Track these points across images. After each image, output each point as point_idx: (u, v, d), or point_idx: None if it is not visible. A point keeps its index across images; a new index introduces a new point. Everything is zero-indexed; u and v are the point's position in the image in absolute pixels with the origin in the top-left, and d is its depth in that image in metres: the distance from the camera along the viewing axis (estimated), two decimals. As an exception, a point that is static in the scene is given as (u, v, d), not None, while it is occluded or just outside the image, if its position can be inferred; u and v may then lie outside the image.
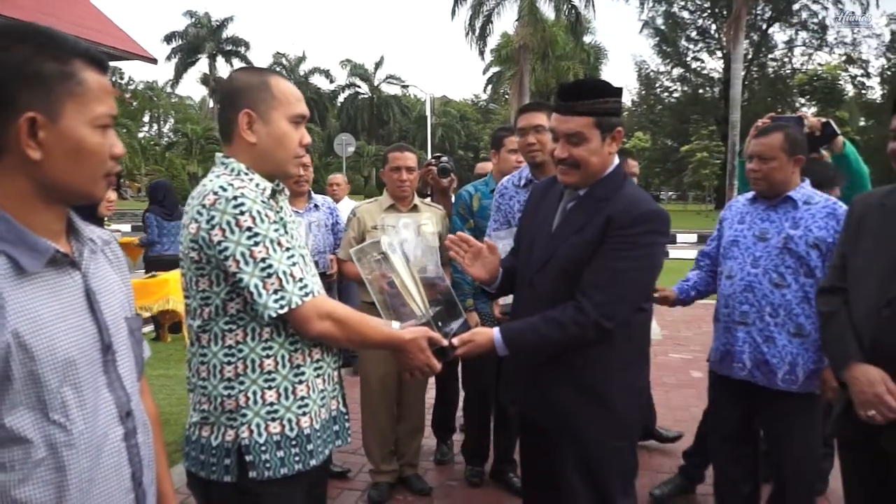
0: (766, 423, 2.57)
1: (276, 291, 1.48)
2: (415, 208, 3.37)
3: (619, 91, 1.95)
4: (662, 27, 39.14)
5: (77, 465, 1.02)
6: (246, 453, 1.53)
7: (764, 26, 37.29)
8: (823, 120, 2.89)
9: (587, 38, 36.30)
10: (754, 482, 2.70)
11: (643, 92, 43.44)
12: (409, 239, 3.20)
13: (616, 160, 1.99)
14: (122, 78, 51.67)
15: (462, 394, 3.86)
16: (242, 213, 1.46)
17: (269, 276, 1.48)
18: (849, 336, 1.94)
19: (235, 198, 1.47)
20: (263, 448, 1.54)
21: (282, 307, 1.49)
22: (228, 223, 1.46)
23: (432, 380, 3.74)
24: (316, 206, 3.82)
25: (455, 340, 1.91)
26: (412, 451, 3.51)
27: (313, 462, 1.62)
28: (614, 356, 1.94)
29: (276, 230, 1.52)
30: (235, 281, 1.49)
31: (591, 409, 1.95)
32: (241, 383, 1.55)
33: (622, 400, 1.96)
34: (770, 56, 39.22)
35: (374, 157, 41.38)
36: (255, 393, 1.55)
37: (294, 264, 1.53)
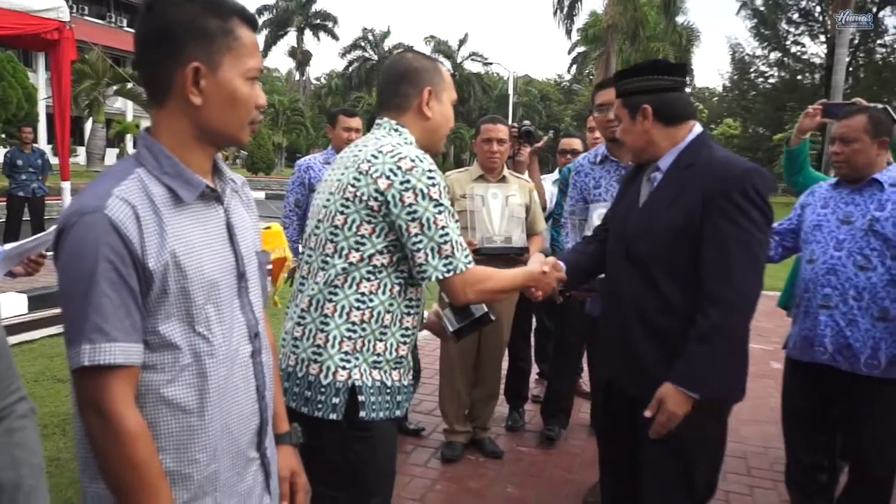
0: (846, 409, 2.52)
1: (446, 257, 1.64)
2: (503, 179, 3.45)
3: (648, 67, 2.03)
4: (762, 8, 37.18)
5: (216, 372, 1.17)
6: (359, 393, 1.65)
7: (874, 9, 34.87)
8: (880, 106, 2.78)
9: (679, 19, 35.05)
10: (831, 471, 2.66)
11: (736, 77, 41.57)
12: (495, 208, 3.30)
13: (696, 130, 1.99)
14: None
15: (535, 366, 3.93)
16: (434, 185, 1.63)
17: (445, 242, 1.63)
18: None
19: (430, 170, 1.64)
20: (372, 391, 1.66)
21: (449, 271, 1.64)
22: (422, 191, 1.61)
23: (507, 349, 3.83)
24: None
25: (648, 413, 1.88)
26: (486, 416, 3.63)
27: (398, 412, 1.75)
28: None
29: (448, 203, 1.67)
30: (414, 241, 1.62)
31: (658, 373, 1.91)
32: (363, 329, 1.66)
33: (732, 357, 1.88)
34: (879, 42, 36.68)
35: (453, 135, 41.61)
36: (369, 341, 1.67)
37: (460, 236, 1.68)
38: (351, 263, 1.65)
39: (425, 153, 1.71)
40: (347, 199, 1.65)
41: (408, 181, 1.60)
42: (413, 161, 1.63)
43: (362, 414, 1.65)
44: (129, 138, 27.68)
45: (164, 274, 1.09)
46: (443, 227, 1.63)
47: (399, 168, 1.61)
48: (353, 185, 1.65)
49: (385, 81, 1.86)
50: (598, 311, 2.47)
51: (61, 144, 8.59)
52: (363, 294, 1.66)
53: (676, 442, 1.89)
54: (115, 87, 25.02)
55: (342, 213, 1.65)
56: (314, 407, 1.65)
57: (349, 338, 1.66)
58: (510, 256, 3.31)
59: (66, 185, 8.80)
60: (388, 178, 1.61)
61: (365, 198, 1.63)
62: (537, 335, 4.53)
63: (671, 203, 1.93)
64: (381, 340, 1.68)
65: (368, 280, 1.65)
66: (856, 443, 2.51)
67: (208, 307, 1.16)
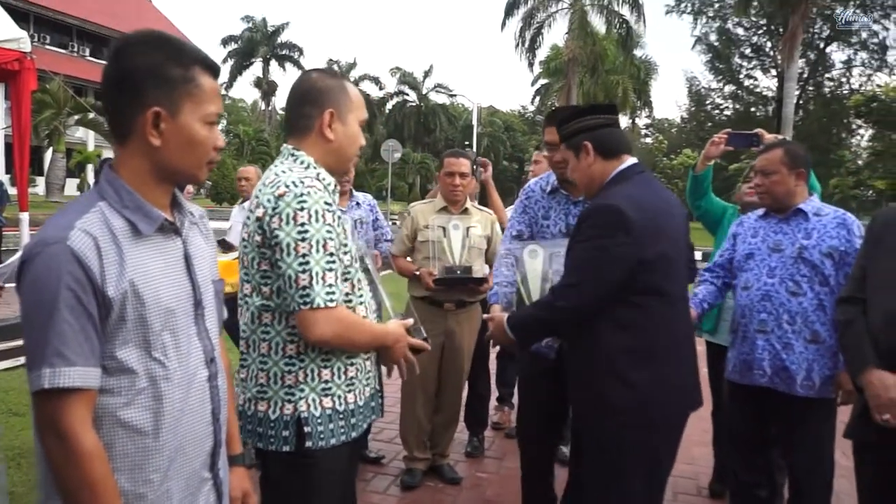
0: (783, 429, 2.65)
1: (303, 287, 1.56)
2: (465, 211, 3.56)
3: (584, 109, 2.23)
4: (716, 43, 38.63)
5: (171, 396, 1.23)
6: (305, 425, 1.65)
7: (822, 45, 36.48)
8: (780, 137, 2.99)
9: (638, 52, 36.16)
10: (771, 488, 2.78)
11: (693, 108, 42.91)
12: (456, 239, 3.43)
13: (622, 165, 2.12)
14: (180, 79, 53.31)
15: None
16: (302, 209, 1.57)
17: (304, 272, 1.56)
18: (866, 343, 2.05)
19: (301, 195, 1.58)
20: (319, 420, 1.66)
21: (304, 303, 1.57)
22: (287, 215, 1.57)
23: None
24: (357, 203, 3.89)
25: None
26: (446, 442, 3.68)
27: (354, 434, 1.76)
28: (600, 345, 2.01)
29: (328, 232, 1.61)
30: (277, 267, 1.59)
31: (581, 394, 2.13)
32: (302, 361, 1.66)
33: (609, 389, 2.00)
34: (827, 76, 38.31)
35: (418, 165, 41.86)
36: (312, 371, 1.67)
37: (330, 269, 1.59)
38: (266, 299, 1.66)
39: (321, 175, 1.71)
40: (244, 239, 1.68)
41: (276, 207, 1.59)
42: (287, 187, 1.60)
43: (309, 444, 1.65)
44: (90, 168, 27.31)
45: (122, 302, 1.16)
46: (303, 256, 1.57)
47: (273, 196, 1.60)
48: (246, 224, 1.68)
49: (289, 103, 1.82)
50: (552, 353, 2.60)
51: (20, 175, 8.46)
52: (293, 327, 1.65)
53: (610, 466, 2.02)
54: (76, 117, 24.70)
55: (245, 252, 1.69)
56: (267, 441, 1.68)
57: (289, 372, 1.67)
58: (470, 286, 3.42)
59: (25, 217, 8.62)
60: (264, 207, 1.61)
61: (252, 233, 1.64)
62: (498, 359, 4.62)
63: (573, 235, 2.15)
64: (325, 367, 1.69)
65: (293, 312, 1.63)
66: (791, 461, 2.64)
67: (164, 334, 1.22)
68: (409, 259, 3.68)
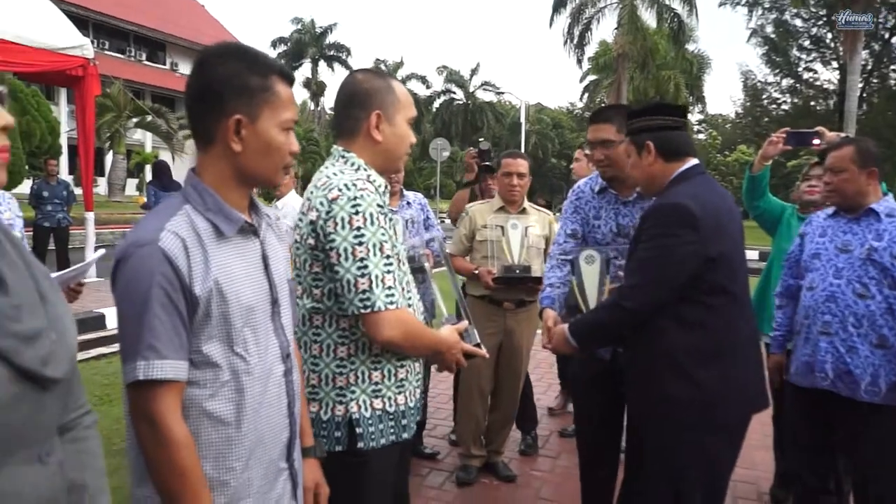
0: (848, 436, 2.56)
1: (363, 292, 1.58)
2: (523, 211, 3.58)
3: (652, 108, 2.24)
4: (772, 35, 37.44)
5: (251, 389, 1.29)
6: (356, 426, 1.68)
7: (887, 35, 34.99)
8: (843, 134, 2.89)
9: (690, 47, 35.39)
10: (839, 495, 2.71)
11: (748, 103, 41.72)
12: (515, 238, 3.42)
13: (684, 166, 2.13)
14: (232, 81, 54.60)
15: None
16: (357, 212, 1.58)
17: (363, 276, 1.57)
18: None
19: (355, 198, 1.59)
20: (370, 421, 1.69)
21: (365, 307, 1.58)
22: (343, 219, 1.58)
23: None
24: (408, 203, 3.88)
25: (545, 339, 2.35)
26: (501, 440, 3.70)
27: (405, 435, 1.79)
28: (663, 344, 2.01)
29: (383, 234, 1.62)
30: (334, 272, 1.60)
31: (641, 394, 2.13)
32: (352, 363, 1.69)
33: (670, 389, 1.99)
34: (893, 67, 36.71)
35: (462, 162, 41.71)
36: (362, 373, 1.70)
37: (389, 272, 1.61)
38: (317, 302, 1.69)
39: (372, 177, 1.71)
40: (296, 241, 1.70)
41: (330, 210, 1.59)
42: (340, 190, 1.60)
43: (360, 444, 1.68)
44: (148, 168, 28.25)
45: (207, 299, 1.22)
46: (361, 260, 1.58)
47: (326, 199, 1.61)
48: (298, 226, 1.71)
49: (337, 105, 1.83)
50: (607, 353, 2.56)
51: (85, 176, 8.84)
52: (344, 329, 1.68)
53: (669, 469, 2.01)
54: (135, 120, 25.57)
55: (297, 254, 1.71)
56: (322, 441, 1.70)
57: (340, 373, 1.69)
58: (529, 285, 3.42)
59: (90, 216, 9.04)
60: (317, 210, 1.62)
61: (305, 236, 1.66)
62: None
63: (636, 236, 2.17)
64: (375, 369, 1.71)
65: (345, 315, 1.66)
66: (856, 468, 2.56)
67: (245, 330, 1.28)
68: (466, 258, 3.69)
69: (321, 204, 1.61)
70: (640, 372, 2.11)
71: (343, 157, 1.76)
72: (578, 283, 2.44)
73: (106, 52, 30.00)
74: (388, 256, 1.62)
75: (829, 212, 2.70)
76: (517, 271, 3.39)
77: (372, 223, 1.59)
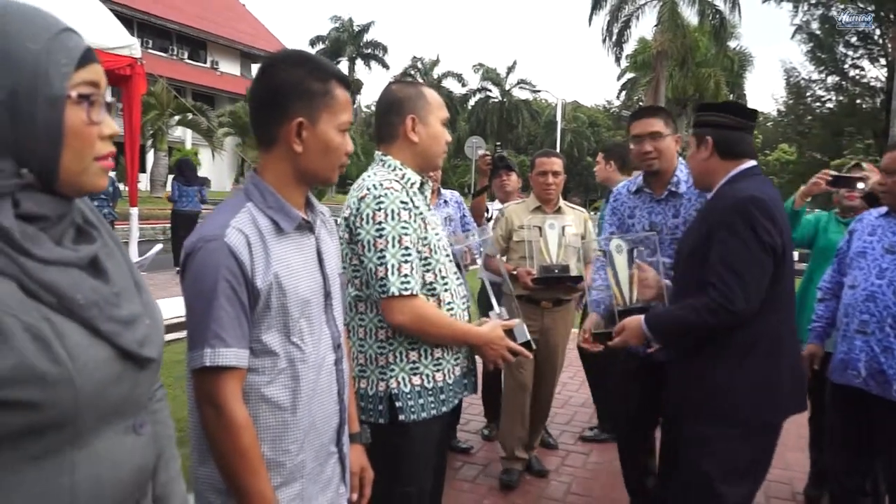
0: (883, 436, 2.57)
1: (381, 279, 1.79)
2: (559, 210, 3.62)
3: (721, 106, 2.28)
4: (818, 32, 36.53)
5: (306, 376, 1.38)
6: (396, 400, 1.87)
7: (938, 31, 33.82)
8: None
9: (731, 44, 34.73)
10: (875, 496, 2.71)
11: (791, 101, 40.78)
12: (552, 238, 3.45)
13: (745, 166, 2.16)
14: (271, 79, 55.40)
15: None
16: (380, 209, 1.79)
17: (381, 264, 1.79)
18: None
19: (378, 196, 1.80)
20: (409, 396, 1.88)
21: (382, 292, 1.80)
22: (367, 215, 1.80)
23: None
24: (445, 201, 3.96)
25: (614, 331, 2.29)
26: (535, 436, 3.76)
27: (444, 409, 1.95)
28: (728, 344, 2.03)
29: (403, 228, 1.80)
30: (362, 263, 1.82)
31: (678, 392, 2.18)
32: (391, 344, 1.89)
33: (708, 386, 2.05)
34: (944, 64, 35.48)
35: (501, 161, 41.64)
36: (401, 353, 1.89)
37: (406, 262, 1.80)
38: (359, 290, 1.89)
39: (407, 176, 1.92)
40: (341, 237, 1.86)
41: (358, 208, 1.82)
42: (368, 190, 1.82)
43: (401, 417, 1.87)
44: (193, 164, 28.77)
45: (268, 292, 1.32)
46: (381, 250, 1.79)
47: (356, 198, 1.84)
48: (339, 223, 1.86)
49: (376, 114, 2.05)
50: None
51: (131, 173, 9.11)
52: (382, 314, 1.86)
53: (706, 462, 2.04)
54: (177, 118, 26.18)
55: (342, 249, 1.86)
56: (367, 414, 1.91)
57: (381, 353, 1.90)
58: (567, 285, 3.45)
59: (135, 211, 9.29)
60: (350, 208, 1.86)
61: (343, 232, 1.85)
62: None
63: (694, 231, 2.22)
64: (412, 349, 1.89)
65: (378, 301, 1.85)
66: (892, 468, 2.55)
67: (301, 321, 1.38)
68: (503, 258, 3.68)
69: (353, 203, 1.85)
70: (687, 363, 2.15)
71: (381, 160, 1.97)
72: (613, 273, 2.51)
73: (150, 50, 30.74)
74: (406, 248, 1.81)
75: (882, 211, 2.68)
76: (556, 271, 3.40)
77: (392, 218, 1.79)
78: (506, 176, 4.41)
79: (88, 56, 0.90)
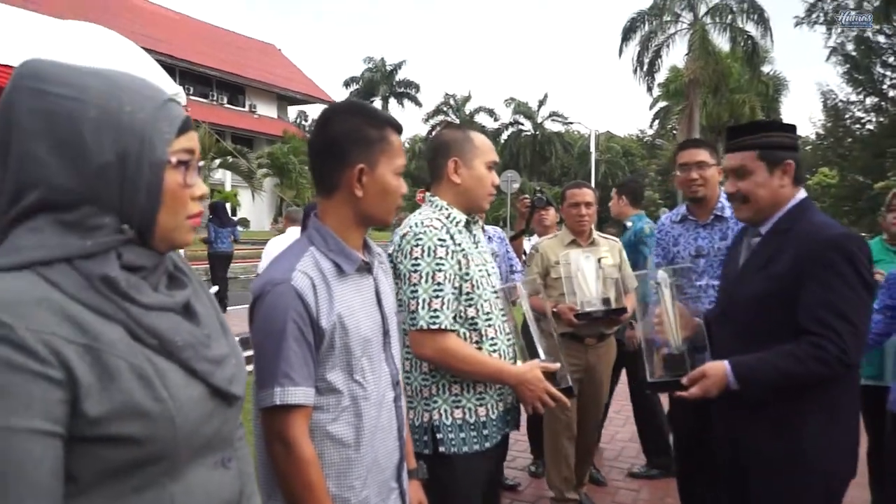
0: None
1: (412, 312, 1.87)
2: (593, 242, 3.58)
3: (787, 127, 2.02)
4: (853, 53, 36.05)
5: (368, 413, 1.42)
6: (437, 432, 1.91)
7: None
8: None
9: (765, 69, 34.47)
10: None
11: (829, 124, 40.09)
12: (590, 271, 3.38)
13: (801, 196, 1.98)
14: (305, 120, 56.87)
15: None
16: (417, 245, 1.88)
17: (413, 298, 1.87)
18: None
19: (417, 234, 1.89)
20: (450, 429, 1.91)
21: (412, 325, 1.87)
22: (406, 251, 1.89)
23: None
24: (489, 237, 3.87)
25: (685, 380, 1.94)
26: (582, 473, 3.69)
27: (487, 444, 1.96)
28: (823, 397, 1.86)
29: (438, 265, 1.87)
30: (398, 296, 1.86)
31: (782, 448, 1.90)
32: (434, 376, 1.95)
33: (818, 445, 1.86)
34: None
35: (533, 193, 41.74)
36: (443, 385, 1.94)
37: (437, 297, 1.86)
38: (405, 324, 1.93)
39: (452, 215, 1.99)
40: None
41: (400, 244, 1.92)
42: (409, 228, 1.93)
43: (442, 449, 1.89)
44: (228, 206, 29.50)
45: (332, 332, 1.38)
46: (414, 285, 1.87)
47: (399, 235, 1.96)
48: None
49: (426, 157, 2.17)
50: None
51: (176, 216, 9.56)
52: None
53: None
54: (218, 161, 26.95)
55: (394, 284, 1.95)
56: (414, 444, 1.91)
57: (425, 385, 1.96)
58: (610, 318, 3.37)
59: (181, 252, 9.64)
60: (393, 244, 1.97)
61: (389, 268, 1.87)
62: None
63: (760, 269, 1.94)
64: (455, 382, 1.94)
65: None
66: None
67: (363, 359, 1.43)
68: (541, 296, 3.65)
69: (396, 239, 1.96)
70: (769, 409, 1.92)
71: (430, 200, 2.08)
72: (665, 308, 2.22)
73: (191, 97, 31.84)
74: (439, 283, 1.87)
75: None
76: (598, 305, 3.33)
77: (428, 255, 1.87)
78: (544, 211, 4.42)
79: (187, 124, 0.98)
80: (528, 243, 4.76)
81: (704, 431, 2.59)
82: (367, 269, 1.52)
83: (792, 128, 2.03)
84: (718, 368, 1.89)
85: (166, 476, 0.92)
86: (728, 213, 2.81)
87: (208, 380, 0.96)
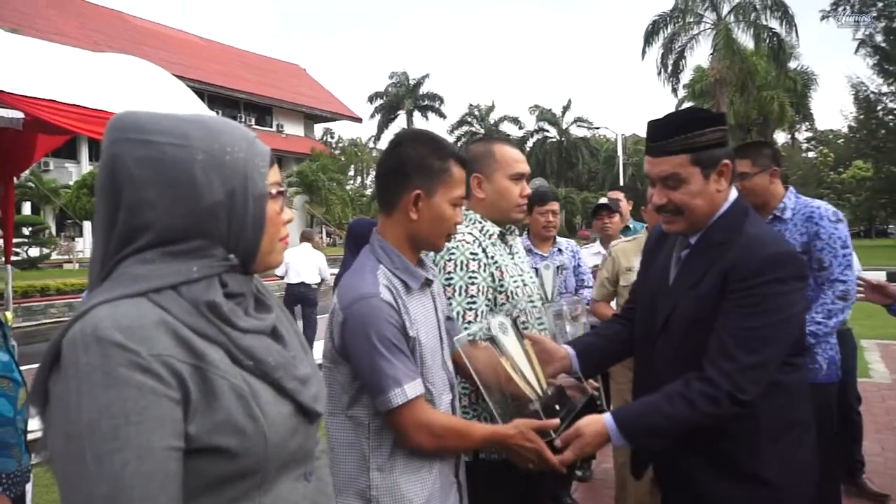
0: None
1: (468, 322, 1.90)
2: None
3: (717, 118, 1.69)
4: (883, 44, 35.33)
5: None
6: None
7: None
8: None
9: (792, 64, 33.99)
10: None
11: (861, 116, 39.30)
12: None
13: (733, 197, 1.72)
14: (332, 137, 57.57)
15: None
16: (451, 260, 1.95)
17: (449, 310, 1.89)
18: None
19: (451, 248, 1.94)
20: None
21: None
22: (440, 266, 1.95)
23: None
24: (560, 250, 3.83)
25: (557, 441, 1.60)
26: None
27: None
28: (760, 426, 1.61)
29: (470, 278, 1.94)
30: None
31: (732, 488, 1.62)
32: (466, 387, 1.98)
33: (777, 477, 1.60)
34: None
35: (563, 200, 41.74)
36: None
37: (470, 309, 1.92)
38: None
39: (486, 228, 2.07)
40: None
41: (435, 260, 1.96)
42: (450, 242, 1.89)
43: (481, 455, 1.92)
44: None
45: (414, 342, 1.51)
46: (448, 298, 1.91)
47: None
48: None
49: None
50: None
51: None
52: None
53: None
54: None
55: None
56: None
57: (464, 394, 1.95)
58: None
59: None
60: (431, 259, 1.97)
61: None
62: None
63: (690, 289, 1.68)
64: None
65: None
66: None
67: (433, 367, 1.57)
68: (611, 304, 3.47)
69: (433, 255, 1.97)
70: (715, 450, 1.64)
71: (465, 215, 2.09)
72: (507, 360, 1.75)
73: (220, 119, 32.39)
74: (472, 296, 1.93)
75: None
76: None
77: (461, 269, 1.94)
78: (608, 218, 4.24)
79: (273, 159, 1.07)
80: (588, 251, 4.52)
81: None
82: (427, 284, 1.64)
83: (721, 119, 1.71)
84: (596, 423, 1.61)
85: (257, 489, 0.99)
86: (788, 214, 2.80)
87: (296, 398, 1.04)
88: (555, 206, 3.73)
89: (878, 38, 34.95)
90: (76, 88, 3.84)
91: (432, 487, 1.55)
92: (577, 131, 48.87)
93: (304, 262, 8.34)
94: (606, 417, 1.62)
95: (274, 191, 1.04)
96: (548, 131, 49.38)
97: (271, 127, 37.23)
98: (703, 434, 1.60)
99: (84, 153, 27.66)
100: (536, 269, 3.40)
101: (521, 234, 3.81)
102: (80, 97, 3.79)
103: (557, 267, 3.65)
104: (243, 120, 36.14)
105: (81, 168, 27.03)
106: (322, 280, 8.53)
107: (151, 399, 0.86)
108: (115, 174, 0.95)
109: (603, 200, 4.47)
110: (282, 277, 8.58)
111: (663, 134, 1.66)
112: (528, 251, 3.60)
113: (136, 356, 0.86)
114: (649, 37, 31.01)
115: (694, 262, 1.70)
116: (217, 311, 0.96)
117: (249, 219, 1.00)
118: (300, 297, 8.27)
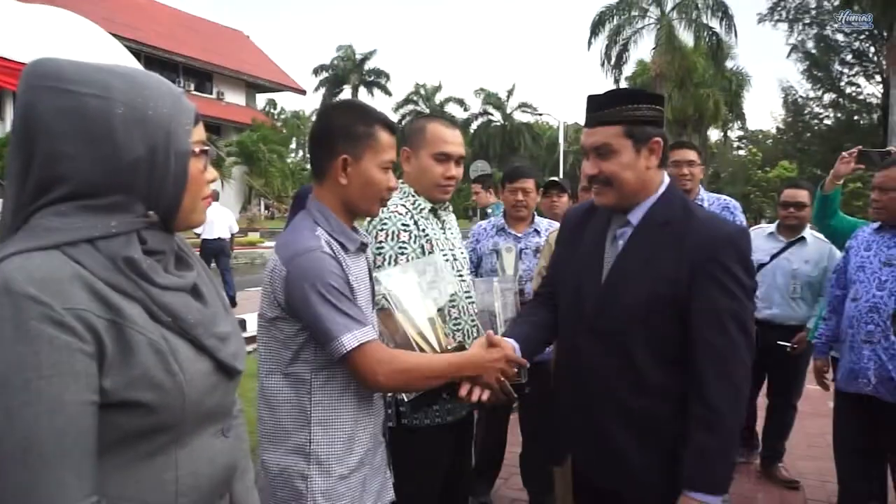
0: (891, 438, 2.70)
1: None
2: None
3: (655, 98, 1.72)
4: (813, 51, 36.93)
5: None
6: (400, 405, 2.03)
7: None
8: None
9: (728, 64, 35.12)
10: (882, 499, 2.81)
11: (789, 119, 41.07)
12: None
13: (666, 180, 1.75)
14: (274, 108, 56.17)
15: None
16: (382, 230, 2.02)
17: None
18: None
19: (383, 219, 2.02)
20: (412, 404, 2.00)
21: (376, 303, 1.82)
22: (373, 234, 2.02)
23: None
24: (536, 230, 3.48)
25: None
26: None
27: (449, 418, 2.11)
28: (678, 390, 1.63)
29: (400, 248, 2.00)
30: None
31: (657, 457, 1.65)
32: None
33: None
34: (939, 79, 35.70)
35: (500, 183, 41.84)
36: None
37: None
38: None
39: (417, 201, 2.13)
40: None
41: (366, 228, 2.04)
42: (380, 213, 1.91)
43: (404, 421, 2.03)
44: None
45: (354, 296, 1.56)
46: (378, 267, 1.97)
47: (369, 220, 2.07)
48: None
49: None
50: None
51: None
52: None
53: None
54: (184, 147, 26.53)
55: None
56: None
57: None
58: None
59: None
60: (364, 228, 2.02)
61: None
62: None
63: (642, 269, 1.66)
64: None
65: None
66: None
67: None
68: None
69: (366, 224, 2.06)
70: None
71: (400, 187, 2.15)
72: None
73: (156, 83, 31.08)
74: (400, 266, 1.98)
75: (875, 226, 2.84)
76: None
77: (392, 239, 2.01)
78: (556, 197, 3.94)
79: (198, 116, 1.06)
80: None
81: None
82: (362, 248, 1.69)
83: (660, 99, 1.74)
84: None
85: (173, 443, 1.00)
86: (706, 203, 3.42)
87: (215, 355, 1.05)
88: (526, 183, 3.43)
89: (810, 44, 36.52)
90: (0, 39, 3.66)
91: (367, 444, 1.62)
92: (521, 116, 49.23)
93: (217, 218, 9.28)
94: (696, 496, 1.54)
95: (198, 149, 1.03)
96: (492, 115, 49.54)
97: (211, 94, 35.95)
98: (626, 404, 1.67)
99: (9, 110, 26.14)
100: (497, 251, 3.29)
101: (500, 213, 3.71)
102: (3, 49, 3.61)
103: (534, 250, 3.38)
104: (182, 85, 34.65)
105: (6, 125, 25.56)
106: (232, 234, 9.75)
107: (65, 353, 0.86)
108: (30, 123, 0.92)
109: (553, 179, 4.14)
110: (199, 235, 9.33)
111: (600, 105, 1.69)
112: (501, 230, 3.46)
113: (49, 309, 0.85)
114: (596, 27, 31.46)
115: (639, 243, 1.69)
116: (135, 266, 0.96)
117: (171, 176, 0.99)
118: (216, 251, 9.24)
